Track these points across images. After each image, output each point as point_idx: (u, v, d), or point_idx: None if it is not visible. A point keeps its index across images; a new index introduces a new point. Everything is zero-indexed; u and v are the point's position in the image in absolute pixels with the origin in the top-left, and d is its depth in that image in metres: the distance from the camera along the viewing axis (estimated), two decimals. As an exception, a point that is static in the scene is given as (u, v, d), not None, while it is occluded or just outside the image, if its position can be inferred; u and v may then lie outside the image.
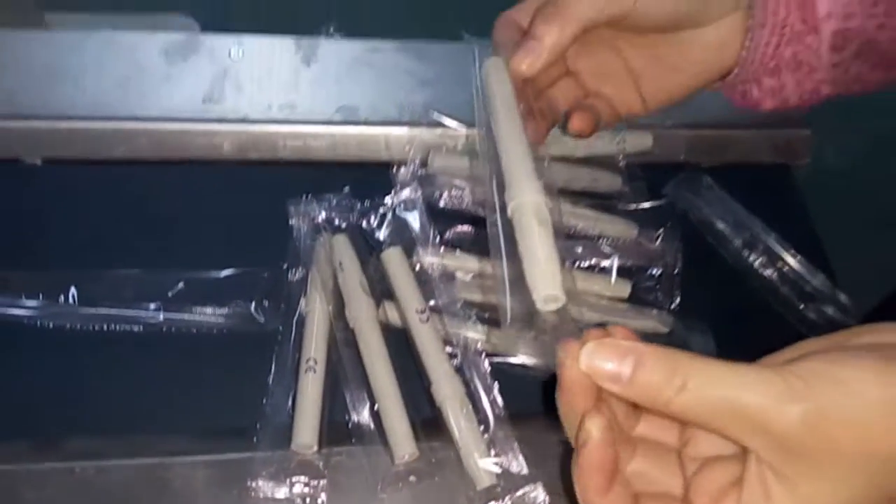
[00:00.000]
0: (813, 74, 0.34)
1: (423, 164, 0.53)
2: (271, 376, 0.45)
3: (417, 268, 0.47)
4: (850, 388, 0.21)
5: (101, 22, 0.87)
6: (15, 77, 0.53)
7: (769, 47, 0.33)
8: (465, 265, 0.48)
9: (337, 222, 0.51)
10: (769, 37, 0.33)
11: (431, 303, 0.46)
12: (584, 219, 0.53)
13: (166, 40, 0.56)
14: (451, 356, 0.44)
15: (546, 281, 0.30)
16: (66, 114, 0.52)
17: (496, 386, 0.43)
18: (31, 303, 0.47)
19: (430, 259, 0.47)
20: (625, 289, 0.51)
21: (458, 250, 0.49)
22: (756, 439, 0.22)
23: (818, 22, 0.32)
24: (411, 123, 0.55)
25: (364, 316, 0.46)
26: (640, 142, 0.56)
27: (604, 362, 0.23)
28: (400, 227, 0.48)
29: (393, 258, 0.47)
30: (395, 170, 0.52)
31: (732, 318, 0.52)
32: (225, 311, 0.48)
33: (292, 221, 0.51)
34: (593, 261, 0.52)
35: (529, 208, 0.33)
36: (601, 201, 0.54)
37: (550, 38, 0.34)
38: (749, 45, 0.34)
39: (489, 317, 0.47)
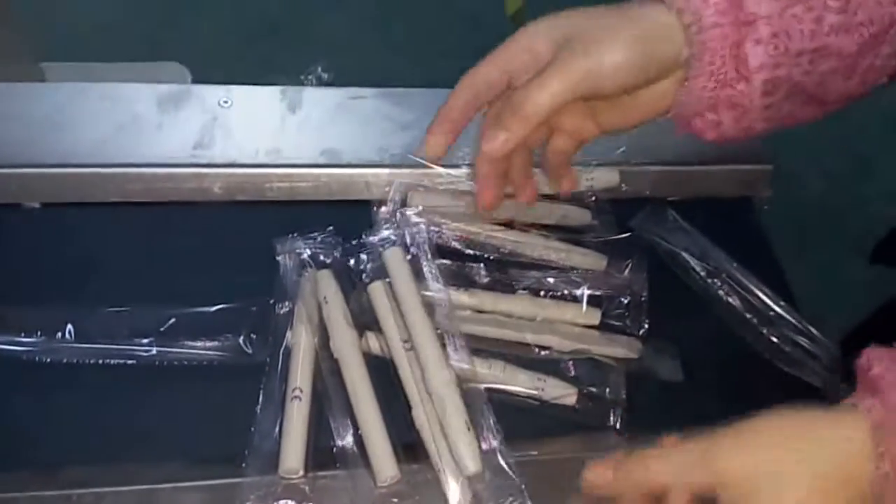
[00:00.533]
0: (747, 114, 0.38)
1: (403, 203, 0.56)
2: (259, 405, 0.47)
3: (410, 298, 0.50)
4: None
5: (97, 70, 0.92)
6: (16, 127, 0.56)
7: (705, 91, 0.37)
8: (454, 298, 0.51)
9: (321, 258, 0.54)
10: (705, 82, 0.37)
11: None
12: (555, 251, 0.56)
13: (159, 91, 0.59)
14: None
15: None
16: (64, 161, 0.55)
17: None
18: (30, 339, 0.49)
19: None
20: (595, 316, 0.54)
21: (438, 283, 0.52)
22: None
23: (750, 73, 0.36)
24: (391, 165, 0.58)
25: (348, 346, 0.49)
26: (607, 178, 0.59)
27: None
28: (383, 262, 0.51)
29: (377, 292, 0.50)
30: (375, 208, 0.55)
31: (699, 344, 0.55)
32: (215, 344, 0.50)
33: (279, 258, 0.53)
34: (565, 291, 0.55)
35: None
36: (572, 235, 0.57)
37: (517, 130, 0.38)
38: (686, 90, 0.37)
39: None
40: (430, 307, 0.49)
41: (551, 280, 0.55)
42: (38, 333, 0.49)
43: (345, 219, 0.56)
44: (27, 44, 0.80)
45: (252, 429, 0.46)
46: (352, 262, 0.53)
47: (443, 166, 0.58)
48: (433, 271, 0.50)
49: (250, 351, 0.50)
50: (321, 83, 1.96)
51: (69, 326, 0.50)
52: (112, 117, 0.57)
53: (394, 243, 0.52)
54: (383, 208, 0.55)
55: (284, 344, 0.50)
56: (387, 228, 0.53)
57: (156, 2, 1.65)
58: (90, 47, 1.38)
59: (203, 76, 1.18)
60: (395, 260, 0.50)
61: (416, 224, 0.52)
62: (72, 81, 0.87)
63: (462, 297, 0.53)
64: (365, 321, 0.51)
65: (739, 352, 0.55)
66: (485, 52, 0.45)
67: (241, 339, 0.51)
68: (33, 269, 0.53)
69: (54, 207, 0.55)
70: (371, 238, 0.53)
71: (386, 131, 0.61)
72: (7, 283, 0.52)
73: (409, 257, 0.51)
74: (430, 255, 0.50)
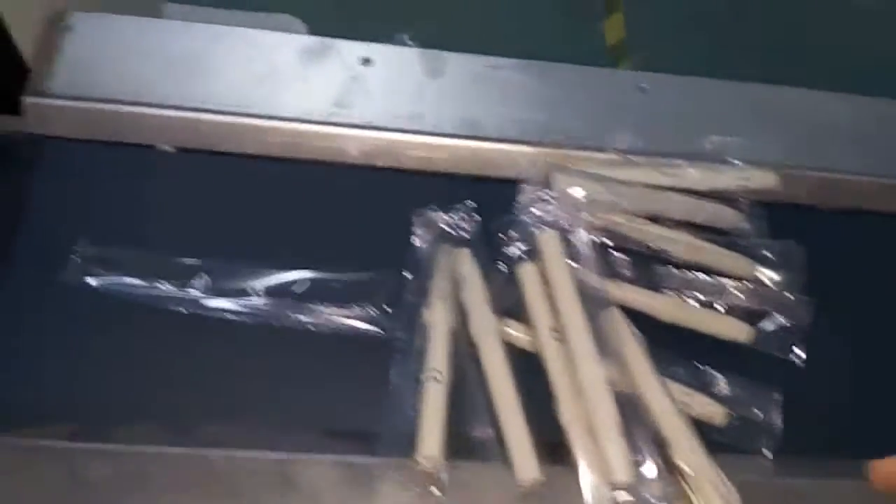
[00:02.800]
0: None
1: (546, 183, 0.53)
2: (392, 383, 0.45)
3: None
4: None
5: (212, 15, 0.90)
6: (154, 65, 0.55)
7: None
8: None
9: (459, 233, 0.51)
10: None
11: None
12: (703, 252, 0.53)
13: (300, 42, 0.57)
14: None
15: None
16: (201, 105, 0.53)
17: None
18: (162, 285, 0.48)
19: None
20: (744, 331, 0.50)
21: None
22: None
23: None
24: (533, 142, 0.55)
25: (488, 332, 0.46)
26: (764, 179, 0.55)
27: None
28: (532, 244, 0.48)
29: (528, 275, 0.47)
30: (521, 187, 0.52)
31: (860, 371, 0.51)
32: (349, 311, 0.48)
33: (415, 230, 0.51)
34: (711, 297, 0.51)
35: None
36: (721, 237, 0.54)
37: None
38: None
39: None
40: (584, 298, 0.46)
41: (697, 283, 0.52)
42: (171, 280, 0.48)
43: (481, 194, 0.54)
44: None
45: (386, 407, 0.44)
46: (494, 241, 0.50)
47: (588, 149, 0.55)
48: (594, 262, 0.46)
49: (384, 324, 0.48)
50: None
51: (205, 277, 0.48)
52: (252, 65, 0.55)
53: (547, 225, 0.49)
54: (528, 187, 0.52)
55: (421, 322, 0.47)
56: (537, 208, 0.49)
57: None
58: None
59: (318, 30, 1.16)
60: (550, 244, 0.47)
61: (577, 207, 0.49)
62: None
63: (606, 287, 0.49)
64: (505, 306, 0.48)
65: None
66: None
67: (374, 311, 0.48)
68: (164, 214, 0.51)
69: (188, 153, 0.54)
70: (520, 217, 0.50)
71: (526, 106, 0.57)
72: (137, 225, 0.50)
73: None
74: (592, 243, 0.47)
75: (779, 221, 0.55)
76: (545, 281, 0.47)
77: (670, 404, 0.44)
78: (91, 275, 0.47)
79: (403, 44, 1.64)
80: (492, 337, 0.46)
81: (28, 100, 0.52)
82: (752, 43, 1.85)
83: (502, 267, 0.50)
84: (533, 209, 0.50)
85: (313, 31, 0.94)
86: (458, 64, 0.58)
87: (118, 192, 0.51)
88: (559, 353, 0.44)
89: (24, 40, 0.52)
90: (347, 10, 1.63)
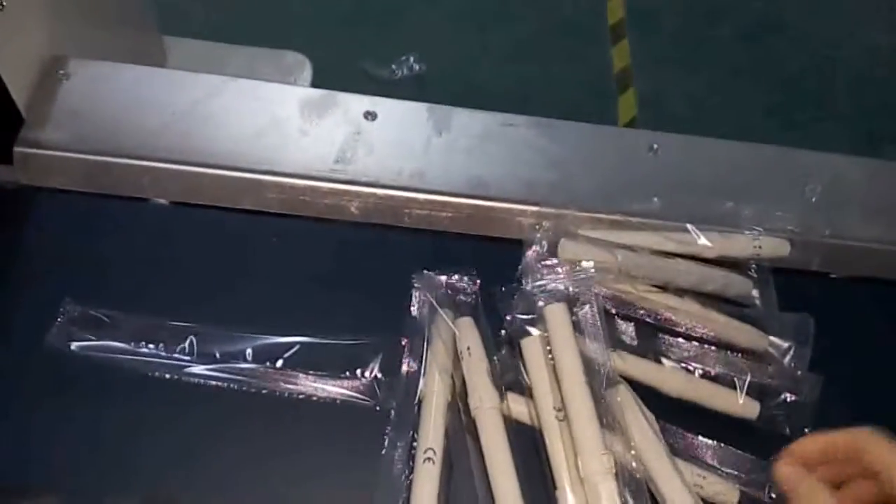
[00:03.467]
0: None
1: (552, 248, 0.51)
2: (384, 460, 0.43)
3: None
4: None
5: (218, 50, 0.89)
6: (150, 116, 0.53)
7: None
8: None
9: (460, 298, 0.50)
10: None
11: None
12: (712, 323, 0.51)
13: (302, 94, 0.56)
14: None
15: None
16: (199, 159, 0.52)
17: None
18: (148, 350, 0.46)
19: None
20: (753, 409, 0.48)
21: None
22: None
23: None
24: (540, 203, 0.54)
25: (489, 407, 0.44)
26: (777, 247, 0.53)
27: None
28: (538, 314, 0.46)
29: (532, 348, 0.45)
30: (524, 252, 0.51)
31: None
32: (340, 381, 0.46)
33: (414, 294, 0.49)
34: (719, 370, 0.50)
35: None
36: (731, 306, 0.52)
37: None
38: None
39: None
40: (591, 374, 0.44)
41: (704, 355, 0.50)
42: (158, 344, 0.46)
43: (484, 255, 0.52)
44: (152, 15, 0.77)
45: (377, 484, 0.42)
46: (497, 308, 0.48)
47: (596, 211, 0.53)
48: (601, 335, 0.45)
49: (378, 394, 0.46)
50: (412, 73, 1.92)
51: (192, 340, 0.46)
52: (253, 118, 0.54)
53: (551, 293, 0.47)
54: (532, 251, 0.51)
55: (417, 394, 0.45)
56: (543, 276, 0.48)
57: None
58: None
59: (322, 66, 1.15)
60: (557, 317, 0.45)
61: (586, 278, 0.47)
62: (190, 59, 0.85)
63: (612, 359, 0.48)
64: (507, 379, 0.46)
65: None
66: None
67: (367, 379, 0.47)
68: (155, 271, 0.50)
69: (183, 207, 0.52)
70: (525, 286, 0.48)
71: (534, 165, 0.56)
72: (126, 282, 0.49)
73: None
74: (600, 317, 0.45)
75: (790, 290, 0.53)
76: (550, 355, 0.45)
77: (682, 488, 0.42)
78: (76, 339, 0.45)
79: (410, 66, 1.62)
80: (493, 414, 0.44)
81: (20, 150, 0.50)
82: (760, 70, 1.84)
83: (504, 336, 0.48)
84: (538, 276, 0.48)
85: (317, 64, 0.94)
86: (466, 120, 0.57)
87: (108, 247, 0.50)
88: (562, 435, 0.42)
89: (20, 87, 0.51)
90: (351, 37, 1.64)
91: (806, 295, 0.54)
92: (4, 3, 0.47)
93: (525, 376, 0.45)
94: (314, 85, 1.00)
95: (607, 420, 0.43)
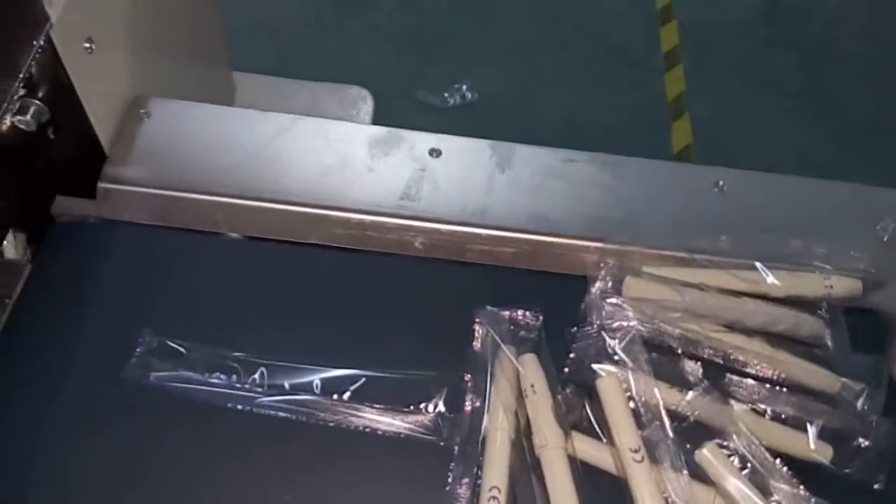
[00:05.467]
0: None
1: (617, 285, 0.51)
2: (449, 497, 0.43)
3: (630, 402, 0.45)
4: None
5: (284, 86, 0.93)
6: (225, 154, 0.55)
7: None
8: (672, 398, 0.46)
9: (522, 334, 0.50)
10: None
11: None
12: (782, 365, 0.50)
13: (370, 132, 0.57)
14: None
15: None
16: (271, 195, 0.53)
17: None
18: (220, 381, 0.47)
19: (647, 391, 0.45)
20: (826, 453, 0.47)
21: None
22: None
23: None
24: (603, 240, 0.53)
25: (554, 446, 0.44)
26: (848, 286, 0.52)
27: None
28: (604, 354, 0.46)
29: (608, 388, 0.45)
30: (588, 290, 0.51)
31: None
32: (403, 415, 0.47)
33: (476, 329, 0.50)
34: (789, 412, 0.48)
35: None
36: (801, 347, 0.51)
37: None
38: None
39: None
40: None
41: (774, 397, 0.49)
42: (230, 376, 0.47)
43: (547, 291, 0.52)
44: (224, 51, 0.81)
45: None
46: (560, 345, 0.48)
47: (661, 248, 0.53)
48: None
49: (442, 430, 0.47)
50: (465, 101, 1.94)
51: (262, 371, 0.48)
52: (322, 156, 0.55)
53: (621, 335, 0.47)
54: (596, 288, 0.51)
55: (481, 430, 0.46)
56: (609, 316, 0.48)
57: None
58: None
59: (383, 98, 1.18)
60: (610, 391, 0.45)
61: (651, 316, 0.47)
62: (258, 93, 0.89)
63: (673, 395, 0.47)
64: (572, 419, 0.46)
65: None
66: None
67: (431, 414, 0.47)
68: (227, 303, 0.51)
69: (255, 241, 0.54)
70: (591, 327, 0.48)
71: (598, 201, 0.56)
72: (201, 314, 0.50)
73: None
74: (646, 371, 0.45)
75: (863, 331, 0.52)
76: (627, 393, 0.45)
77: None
78: (154, 370, 0.47)
79: (462, 94, 1.64)
80: (557, 451, 0.44)
81: (103, 185, 0.53)
82: (818, 106, 1.81)
83: (568, 374, 0.48)
84: (603, 315, 0.48)
85: (379, 96, 0.96)
86: (529, 156, 0.57)
87: (184, 280, 0.52)
88: (643, 477, 0.42)
89: (104, 126, 0.54)
90: (409, 68, 1.67)
91: (880, 336, 0.53)
92: (93, 46, 0.50)
93: (592, 416, 0.45)
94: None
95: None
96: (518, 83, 1.74)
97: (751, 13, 2.03)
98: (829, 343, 0.51)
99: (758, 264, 0.52)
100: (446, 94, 1.66)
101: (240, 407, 0.46)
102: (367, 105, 0.97)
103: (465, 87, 1.68)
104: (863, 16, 2.01)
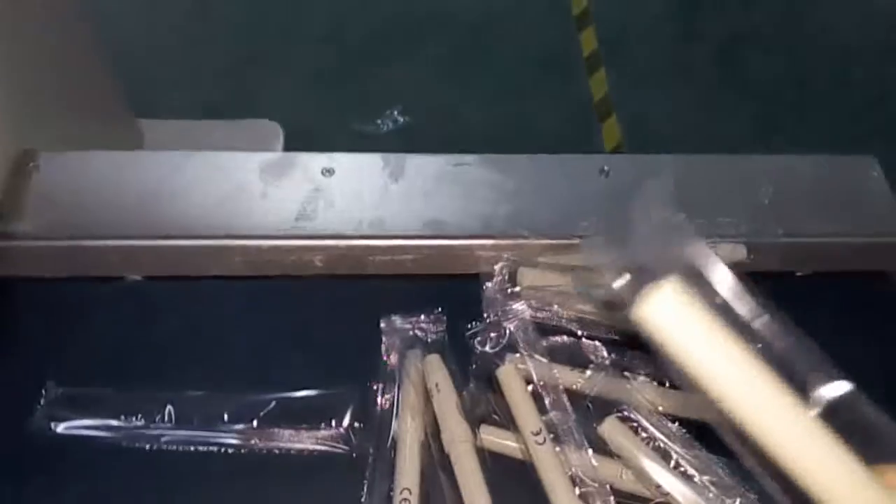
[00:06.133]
0: None
1: (512, 278, 0.53)
2: (364, 504, 0.44)
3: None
4: None
5: (193, 127, 0.93)
6: (120, 197, 0.55)
7: None
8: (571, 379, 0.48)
9: (428, 339, 0.51)
10: None
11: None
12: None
13: (262, 159, 0.58)
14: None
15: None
16: (167, 232, 0.54)
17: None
18: (128, 423, 0.47)
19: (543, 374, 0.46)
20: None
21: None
22: None
23: None
24: (497, 236, 0.55)
25: (461, 441, 0.45)
26: (733, 253, 0.54)
27: None
28: (503, 344, 0.48)
29: (507, 376, 0.46)
30: (483, 286, 0.52)
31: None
32: (316, 432, 0.47)
33: (383, 338, 0.51)
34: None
35: None
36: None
37: None
38: None
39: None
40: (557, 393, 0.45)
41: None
42: (137, 417, 0.48)
43: (449, 293, 0.53)
44: (124, 101, 0.81)
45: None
46: (464, 344, 0.50)
47: (553, 237, 0.55)
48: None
49: (354, 441, 0.47)
50: (398, 125, 1.96)
51: (168, 408, 0.48)
52: (215, 187, 0.56)
53: (515, 323, 0.48)
54: (493, 283, 0.52)
55: (390, 435, 0.46)
56: (505, 305, 0.49)
57: (239, 56, 1.69)
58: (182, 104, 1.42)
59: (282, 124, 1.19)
60: (509, 379, 0.47)
61: (528, 302, 0.48)
62: (166, 139, 0.89)
63: (576, 378, 0.49)
64: (479, 413, 0.47)
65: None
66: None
67: (343, 429, 0.48)
68: (132, 345, 0.51)
69: (156, 280, 0.54)
70: (485, 317, 0.49)
71: (490, 200, 0.57)
72: (106, 360, 0.50)
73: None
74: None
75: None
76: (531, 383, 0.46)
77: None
78: (58, 419, 0.46)
79: (394, 119, 1.66)
80: (466, 447, 0.45)
81: (-4, 243, 0.53)
82: (738, 93, 1.88)
83: (473, 370, 0.49)
84: (499, 307, 0.50)
85: (292, 129, 0.97)
86: (420, 164, 0.59)
87: (87, 328, 0.52)
88: (547, 458, 0.43)
89: (-8, 184, 0.54)
90: (324, 102, 1.68)
91: (771, 295, 0.55)
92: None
93: (496, 407, 0.46)
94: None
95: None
96: (447, 102, 1.77)
97: (663, 10, 2.10)
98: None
99: (645, 241, 0.54)
100: (379, 122, 1.68)
101: (148, 447, 0.47)
102: (278, 138, 0.98)
103: (396, 113, 1.70)
104: (774, 1, 2.09)
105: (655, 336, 0.25)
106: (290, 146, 1.23)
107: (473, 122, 1.69)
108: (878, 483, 0.22)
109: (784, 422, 0.22)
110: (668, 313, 0.24)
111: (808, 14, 2.03)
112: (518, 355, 0.48)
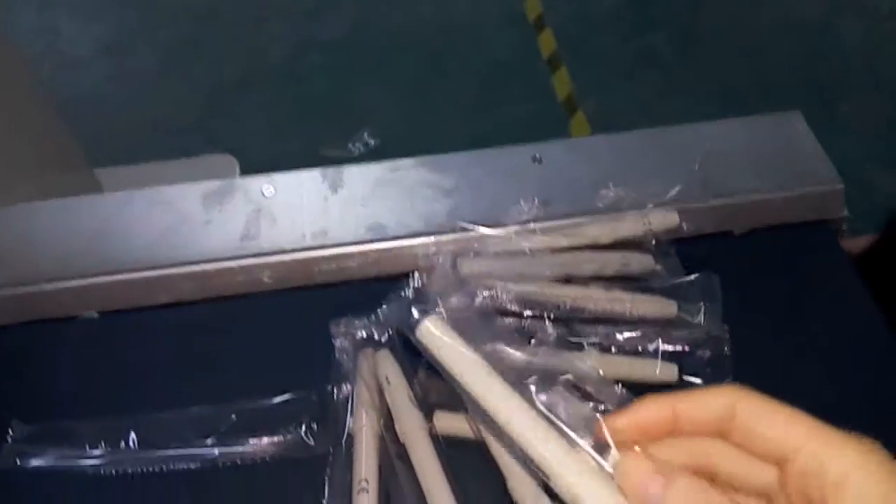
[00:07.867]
0: None
1: (453, 268, 0.54)
2: (325, 500, 0.45)
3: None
4: None
5: (149, 170, 0.95)
6: (69, 241, 0.57)
7: None
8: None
9: (377, 337, 0.52)
10: None
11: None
12: (619, 302, 0.53)
13: (204, 188, 0.60)
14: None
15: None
16: (116, 268, 0.55)
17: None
18: (96, 451, 0.49)
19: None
20: (672, 372, 0.50)
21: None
22: None
23: None
24: (437, 232, 0.57)
25: (415, 429, 0.46)
26: (666, 219, 0.56)
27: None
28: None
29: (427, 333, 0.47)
30: (424, 277, 0.53)
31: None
32: (276, 439, 0.49)
33: (335, 341, 0.52)
34: (637, 345, 0.51)
35: None
36: (636, 283, 0.54)
37: None
38: None
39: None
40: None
41: (620, 335, 0.52)
42: (103, 444, 0.49)
43: (395, 292, 0.55)
44: (79, 153, 0.83)
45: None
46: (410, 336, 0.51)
47: (490, 226, 0.56)
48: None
49: (312, 442, 0.48)
50: (368, 147, 2.00)
51: (131, 434, 0.49)
52: (160, 220, 0.58)
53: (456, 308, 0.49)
54: (431, 276, 0.53)
55: (346, 431, 0.48)
56: (446, 294, 0.50)
57: (201, 92, 1.72)
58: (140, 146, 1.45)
59: (252, 159, 1.22)
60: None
61: (487, 286, 0.50)
62: (124, 185, 0.91)
63: (525, 356, 0.50)
64: (431, 400, 0.48)
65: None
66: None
67: (302, 431, 0.49)
68: (93, 380, 0.53)
69: (111, 314, 0.56)
70: (431, 305, 0.50)
71: (429, 199, 0.59)
72: (68, 396, 0.52)
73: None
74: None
75: (696, 255, 0.55)
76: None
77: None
78: (24, 457, 0.48)
79: (365, 142, 1.69)
80: (420, 435, 0.46)
81: (-51, 301, 0.55)
82: (698, 73, 1.90)
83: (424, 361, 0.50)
84: (440, 296, 0.51)
85: (251, 158, 0.99)
86: (358, 173, 0.61)
87: (48, 368, 0.53)
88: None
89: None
90: (310, 131, 1.71)
91: (712, 256, 0.56)
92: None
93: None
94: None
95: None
96: (415, 118, 1.80)
97: (615, 2, 2.13)
98: (662, 272, 0.55)
99: (579, 220, 0.56)
100: (350, 145, 1.71)
101: (115, 471, 0.48)
102: (234, 171, 1.00)
103: (366, 135, 1.73)
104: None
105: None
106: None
107: (443, 134, 1.71)
108: (577, 456, 0.29)
109: (510, 410, 0.32)
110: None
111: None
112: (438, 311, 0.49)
